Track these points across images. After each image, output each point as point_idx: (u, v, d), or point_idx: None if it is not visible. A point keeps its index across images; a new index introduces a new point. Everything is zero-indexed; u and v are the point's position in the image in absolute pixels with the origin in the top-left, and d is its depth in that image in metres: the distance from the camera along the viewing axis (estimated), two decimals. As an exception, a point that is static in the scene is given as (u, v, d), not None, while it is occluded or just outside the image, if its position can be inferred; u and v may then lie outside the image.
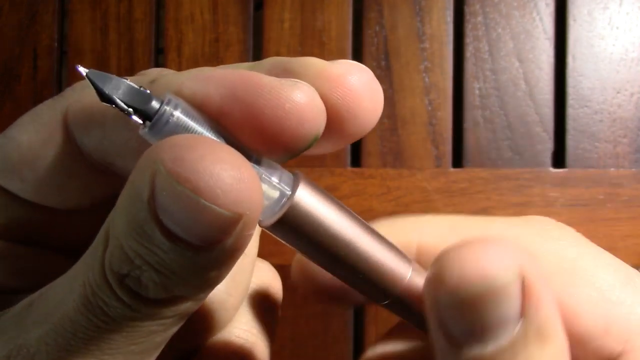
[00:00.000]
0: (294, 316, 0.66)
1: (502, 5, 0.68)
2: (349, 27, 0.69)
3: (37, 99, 0.71)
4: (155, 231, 0.15)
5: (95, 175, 0.20)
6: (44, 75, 0.71)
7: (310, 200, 0.18)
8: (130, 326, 0.16)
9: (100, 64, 0.71)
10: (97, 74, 0.17)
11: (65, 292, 0.17)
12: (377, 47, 0.68)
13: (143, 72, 0.20)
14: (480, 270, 0.16)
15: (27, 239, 0.21)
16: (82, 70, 0.17)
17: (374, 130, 0.68)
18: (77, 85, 0.20)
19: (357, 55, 0.69)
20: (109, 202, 0.18)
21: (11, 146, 0.20)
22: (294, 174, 0.19)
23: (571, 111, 0.67)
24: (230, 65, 0.19)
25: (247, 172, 0.15)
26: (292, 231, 0.18)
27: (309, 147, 0.17)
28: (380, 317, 0.66)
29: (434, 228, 0.22)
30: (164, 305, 0.16)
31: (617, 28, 0.68)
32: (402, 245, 0.20)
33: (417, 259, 0.21)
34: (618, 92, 0.68)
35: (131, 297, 0.16)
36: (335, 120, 0.18)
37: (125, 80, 0.17)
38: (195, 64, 0.70)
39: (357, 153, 0.68)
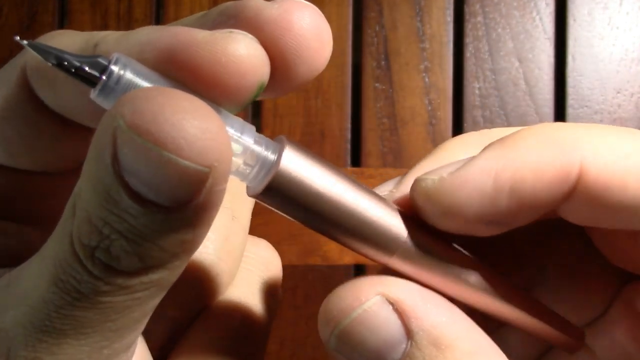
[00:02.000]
0: (294, 316, 0.66)
1: (502, 5, 0.68)
2: (349, 27, 0.69)
3: (37, 99, 0.71)
4: (122, 195, 0.14)
5: (67, 132, 0.20)
6: (44, 75, 0.71)
7: (297, 165, 0.17)
8: (103, 302, 0.16)
9: (100, 64, 0.71)
10: (39, 43, 0.16)
11: (38, 272, 0.16)
12: (377, 47, 0.68)
13: (90, 34, 0.19)
14: (337, 308, 0.18)
15: (1, 212, 0.21)
16: (21, 41, 0.16)
17: (374, 130, 0.68)
18: (38, 41, 0.20)
19: (357, 55, 0.69)
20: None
21: None
22: (278, 138, 0.18)
23: (571, 111, 0.67)
24: (178, 21, 0.19)
25: (212, 122, 0.14)
26: (281, 198, 0.18)
27: (255, 96, 0.17)
28: (380, 317, 0.66)
29: (605, 146, 0.18)
30: (137, 276, 0.15)
31: (617, 28, 0.68)
32: (560, 166, 0.18)
33: (579, 184, 0.18)
34: (618, 92, 0.68)
35: (103, 271, 0.15)
36: (279, 64, 0.17)
37: (68, 52, 0.16)
38: (195, 64, 0.70)
39: (357, 153, 0.68)
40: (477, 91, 0.68)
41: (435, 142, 0.67)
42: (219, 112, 0.17)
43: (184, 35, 0.16)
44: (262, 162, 0.17)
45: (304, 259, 0.66)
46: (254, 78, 0.16)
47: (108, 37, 0.17)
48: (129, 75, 0.16)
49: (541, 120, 0.67)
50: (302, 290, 0.66)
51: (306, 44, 0.17)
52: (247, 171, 0.18)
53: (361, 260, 0.66)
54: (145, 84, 0.16)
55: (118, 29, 0.80)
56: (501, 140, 0.19)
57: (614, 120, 0.67)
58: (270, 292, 0.24)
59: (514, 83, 0.68)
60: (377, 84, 0.68)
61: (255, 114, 0.69)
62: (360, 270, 0.67)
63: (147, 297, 0.16)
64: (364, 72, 0.68)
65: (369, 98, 0.68)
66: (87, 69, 0.15)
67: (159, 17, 0.71)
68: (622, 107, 0.67)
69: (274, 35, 0.16)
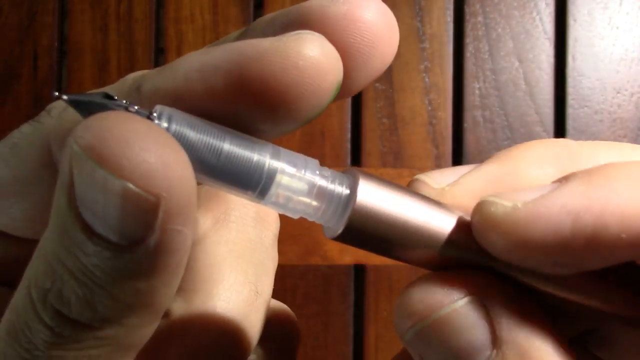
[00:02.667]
0: (294, 316, 0.66)
1: (502, 5, 0.68)
2: (349, 27, 0.69)
3: (37, 99, 0.71)
4: (75, 228, 0.13)
5: None
6: (44, 75, 0.71)
7: (375, 197, 0.16)
8: (54, 356, 0.14)
9: (100, 64, 0.71)
10: (77, 99, 0.15)
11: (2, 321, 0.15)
12: (377, 47, 0.68)
13: (122, 80, 0.18)
14: (423, 303, 0.16)
15: (13, 280, 0.19)
16: (62, 96, 0.15)
17: (374, 130, 0.68)
18: (53, 110, 0.18)
19: (357, 55, 0.69)
20: None
21: None
22: (350, 171, 0.17)
23: (571, 111, 0.67)
24: (214, 43, 0.17)
25: (167, 147, 0.13)
26: (364, 234, 0.16)
27: (333, 98, 0.16)
28: (380, 317, 0.66)
29: None
30: (89, 329, 0.14)
31: (617, 28, 0.68)
32: None
33: None
34: (618, 92, 0.68)
35: (53, 318, 0.14)
36: (354, 60, 0.16)
37: (108, 100, 0.15)
38: (195, 64, 0.70)
39: (357, 153, 0.68)
40: (477, 91, 0.68)
41: (435, 142, 0.67)
42: (277, 152, 0.16)
43: (250, 48, 0.15)
44: (331, 197, 0.16)
45: (304, 259, 0.66)
46: (333, 78, 0.15)
47: (148, 79, 0.16)
48: (175, 128, 0.14)
49: (541, 120, 0.67)
50: (302, 290, 0.66)
51: (378, 35, 0.16)
52: (320, 211, 0.16)
53: (361, 260, 0.66)
54: (192, 134, 0.15)
55: (118, 29, 0.80)
56: (587, 173, 0.16)
57: (614, 120, 0.67)
58: None
59: (514, 83, 0.68)
60: (377, 84, 0.68)
61: (255, 114, 0.69)
62: (360, 270, 0.67)
63: (101, 357, 0.15)
64: (364, 72, 0.68)
65: (369, 98, 0.68)
66: None
67: (159, 17, 0.71)
68: (622, 107, 0.67)
69: (346, 32, 0.16)
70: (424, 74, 0.68)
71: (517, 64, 0.68)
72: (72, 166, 0.13)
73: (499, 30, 0.68)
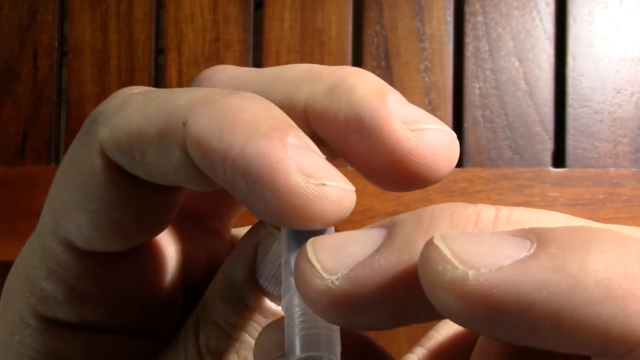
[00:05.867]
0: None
1: (502, 5, 0.68)
2: (349, 27, 0.69)
3: (37, 99, 0.71)
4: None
5: (155, 200, 0.19)
6: (44, 75, 0.71)
7: None
8: None
9: (100, 64, 0.71)
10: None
11: None
12: (377, 47, 0.68)
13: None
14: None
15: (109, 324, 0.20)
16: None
17: (374, 130, 0.68)
18: (101, 117, 0.18)
19: (357, 55, 0.69)
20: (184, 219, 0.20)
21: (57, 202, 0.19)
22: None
23: (571, 111, 0.67)
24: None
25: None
26: None
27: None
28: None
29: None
30: None
31: (617, 28, 0.68)
32: None
33: None
34: (618, 92, 0.68)
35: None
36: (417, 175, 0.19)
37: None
38: (196, 63, 0.70)
39: (357, 153, 0.68)
40: (477, 91, 0.68)
41: (435, 142, 0.67)
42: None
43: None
44: None
45: (304, 259, 0.66)
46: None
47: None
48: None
49: (541, 120, 0.67)
50: (302, 290, 0.66)
51: (439, 163, 0.19)
52: None
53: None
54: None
55: (118, 29, 0.79)
56: (560, 244, 0.12)
57: (614, 120, 0.67)
58: None
59: (514, 83, 0.68)
60: (377, 84, 0.68)
61: (256, 113, 0.69)
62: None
63: None
64: (364, 72, 0.68)
65: (369, 98, 0.68)
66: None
67: (159, 17, 0.71)
68: (622, 107, 0.67)
69: (410, 164, 0.19)
70: (424, 74, 0.68)
71: (517, 63, 0.68)
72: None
73: (499, 30, 0.68)
